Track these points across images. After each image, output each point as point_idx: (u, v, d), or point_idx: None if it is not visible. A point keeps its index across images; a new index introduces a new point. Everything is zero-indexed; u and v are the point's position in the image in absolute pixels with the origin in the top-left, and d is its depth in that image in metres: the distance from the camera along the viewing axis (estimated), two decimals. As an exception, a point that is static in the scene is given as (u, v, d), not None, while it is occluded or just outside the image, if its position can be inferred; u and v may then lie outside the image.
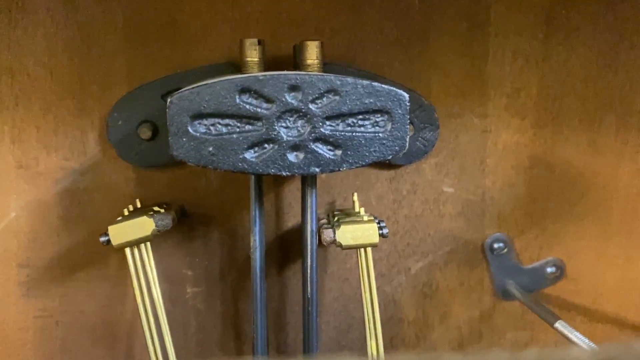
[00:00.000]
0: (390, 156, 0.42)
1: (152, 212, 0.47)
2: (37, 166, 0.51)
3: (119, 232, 0.45)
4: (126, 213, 0.48)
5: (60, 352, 0.54)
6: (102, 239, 0.45)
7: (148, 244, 0.46)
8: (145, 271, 0.46)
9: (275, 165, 0.41)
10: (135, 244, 0.46)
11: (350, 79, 0.40)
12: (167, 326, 0.47)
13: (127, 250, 0.46)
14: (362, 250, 0.47)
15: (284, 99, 0.40)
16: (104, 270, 0.53)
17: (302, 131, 0.41)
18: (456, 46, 0.53)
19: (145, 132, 0.50)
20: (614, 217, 0.57)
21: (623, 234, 0.57)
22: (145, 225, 0.45)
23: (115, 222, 0.45)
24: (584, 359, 0.17)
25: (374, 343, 0.47)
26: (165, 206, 0.50)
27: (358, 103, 0.41)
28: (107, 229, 0.45)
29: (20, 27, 0.48)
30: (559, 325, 0.48)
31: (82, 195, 0.51)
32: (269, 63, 0.47)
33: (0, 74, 0.49)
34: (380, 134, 0.41)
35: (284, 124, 0.41)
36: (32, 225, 0.51)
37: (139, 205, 0.50)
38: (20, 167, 0.51)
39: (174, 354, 0.48)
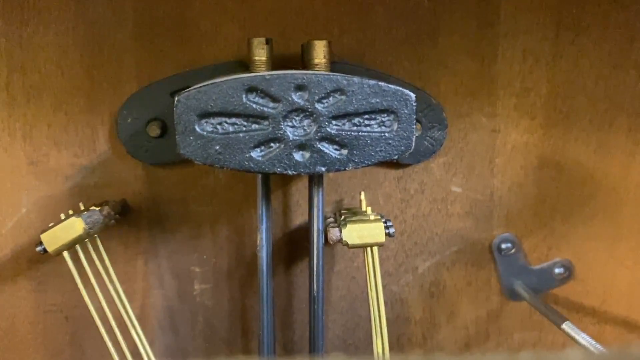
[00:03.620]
0: (396, 156, 0.42)
1: (81, 211, 0.47)
2: (47, 162, 0.51)
3: (52, 238, 0.45)
4: (62, 217, 0.47)
5: (69, 347, 0.55)
6: (38, 248, 0.45)
7: (97, 240, 0.46)
8: (98, 269, 0.46)
9: (282, 164, 0.41)
10: (71, 245, 0.45)
11: (356, 79, 0.40)
12: (136, 323, 0.47)
13: (66, 254, 0.45)
14: (369, 249, 0.47)
15: (290, 99, 0.40)
16: (113, 267, 0.53)
17: (308, 130, 0.41)
18: (465, 45, 0.52)
19: (154, 130, 0.50)
20: (624, 219, 0.56)
21: (633, 235, 0.57)
22: (75, 225, 0.45)
23: (47, 229, 0.45)
24: (579, 363, 0.17)
25: (380, 342, 0.47)
26: (103, 203, 0.49)
27: (364, 103, 0.41)
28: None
29: (32, 25, 0.49)
30: (565, 326, 0.47)
31: (92, 191, 0.52)
32: (278, 62, 0.47)
33: (12, 71, 0.50)
34: (386, 134, 0.41)
35: (290, 123, 0.41)
36: (42, 221, 0.52)
37: (82, 208, 0.50)
38: (31, 163, 0.51)
39: (150, 353, 0.48)
